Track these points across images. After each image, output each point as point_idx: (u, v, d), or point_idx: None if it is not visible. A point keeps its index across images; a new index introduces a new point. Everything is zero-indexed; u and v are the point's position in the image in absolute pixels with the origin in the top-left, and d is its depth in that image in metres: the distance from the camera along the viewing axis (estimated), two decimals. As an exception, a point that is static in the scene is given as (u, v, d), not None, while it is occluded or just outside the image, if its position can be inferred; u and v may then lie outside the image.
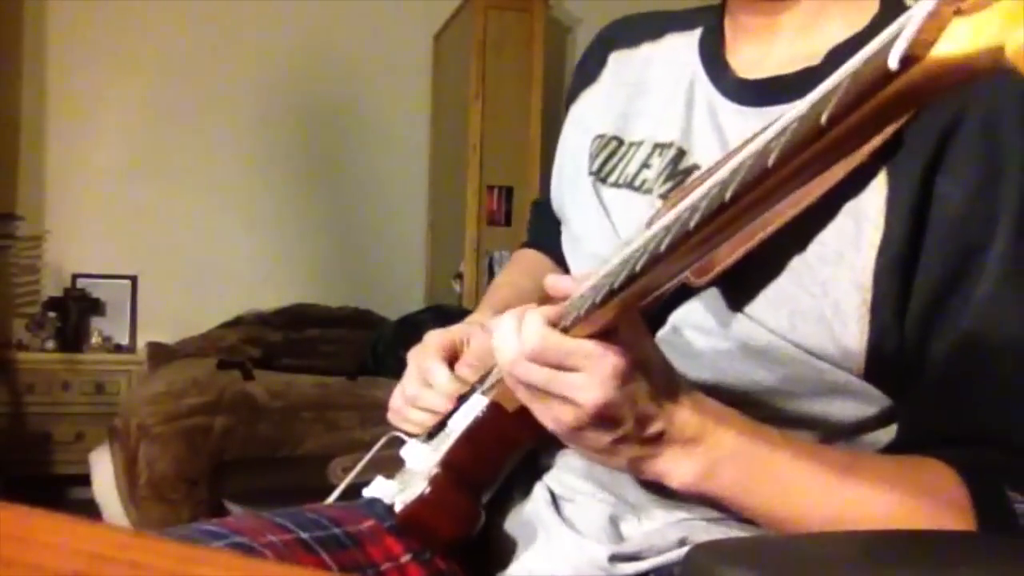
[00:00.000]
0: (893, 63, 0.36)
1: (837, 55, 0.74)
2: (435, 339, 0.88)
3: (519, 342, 0.63)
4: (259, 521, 0.77)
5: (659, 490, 0.73)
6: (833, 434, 0.71)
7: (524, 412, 0.73)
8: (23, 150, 3.66)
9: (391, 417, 0.91)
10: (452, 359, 0.87)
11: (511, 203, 3.58)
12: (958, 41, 0.36)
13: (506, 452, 0.78)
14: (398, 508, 0.77)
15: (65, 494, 3.29)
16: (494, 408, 0.77)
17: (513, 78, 3.60)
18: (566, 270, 0.94)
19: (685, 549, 0.71)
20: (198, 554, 0.32)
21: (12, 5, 3.62)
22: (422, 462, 0.79)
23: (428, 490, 0.75)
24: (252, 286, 3.79)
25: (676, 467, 0.66)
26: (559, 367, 0.63)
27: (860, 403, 0.70)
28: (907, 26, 0.37)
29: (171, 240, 3.79)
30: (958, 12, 0.36)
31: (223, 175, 3.86)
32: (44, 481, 3.23)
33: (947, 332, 0.64)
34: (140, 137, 3.77)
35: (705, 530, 0.72)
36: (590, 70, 0.94)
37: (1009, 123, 0.64)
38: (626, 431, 0.64)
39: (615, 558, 0.73)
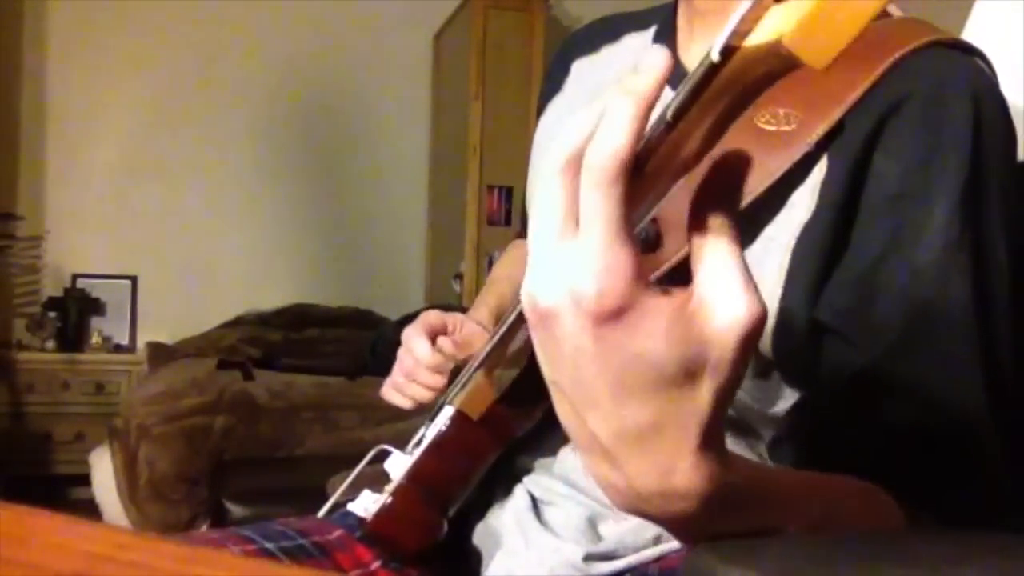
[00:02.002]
0: (715, 55, 0.36)
1: None
2: (426, 316, 0.96)
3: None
4: (223, 534, 0.78)
5: None
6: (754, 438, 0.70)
7: (487, 419, 0.74)
8: (23, 150, 3.66)
9: (384, 392, 0.97)
10: (438, 337, 0.94)
11: (511, 203, 3.58)
12: (766, 29, 0.36)
13: (471, 463, 0.79)
14: (372, 509, 0.78)
15: (65, 494, 3.29)
16: (458, 417, 0.78)
17: (513, 78, 3.60)
18: None
19: (661, 547, 0.72)
20: (198, 554, 0.32)
21: (12, 5, 3.62)
22: (401, 472, 0.80)
23: (390, 501, 0.77)
24: (252, 286, 3.80)
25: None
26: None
27: (778, 409, 0.69)
28: (732, 16, 0.36)
29: (171, 240, 3.79)
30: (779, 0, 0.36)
31: (223, 175, 3.86)
32: (44, 481, 3.23)
33: (875, 308, 0.63)
34: (140, 137, 3.77)
35: None
36: (555, 81, 0.95)
37: (952, 101, 0.64)
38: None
39: (590, 557, 0.73)
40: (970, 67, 0.68)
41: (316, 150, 3.98)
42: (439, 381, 0.91)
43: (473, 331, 0.95)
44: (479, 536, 0.81)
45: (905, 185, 0.63)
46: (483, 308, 1.03)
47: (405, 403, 0.95)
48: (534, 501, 0.79)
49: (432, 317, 0.96)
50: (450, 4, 3.80)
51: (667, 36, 0.83)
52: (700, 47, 0.79)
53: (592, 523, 0.76)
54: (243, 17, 3.86)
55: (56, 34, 3.70)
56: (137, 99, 3.77)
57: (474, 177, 3.57)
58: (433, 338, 0.93)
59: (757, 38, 0.36)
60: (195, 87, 3.83)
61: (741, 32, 0.36)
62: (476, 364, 0.80)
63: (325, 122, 3.96)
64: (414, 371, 0.93)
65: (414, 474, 0.78)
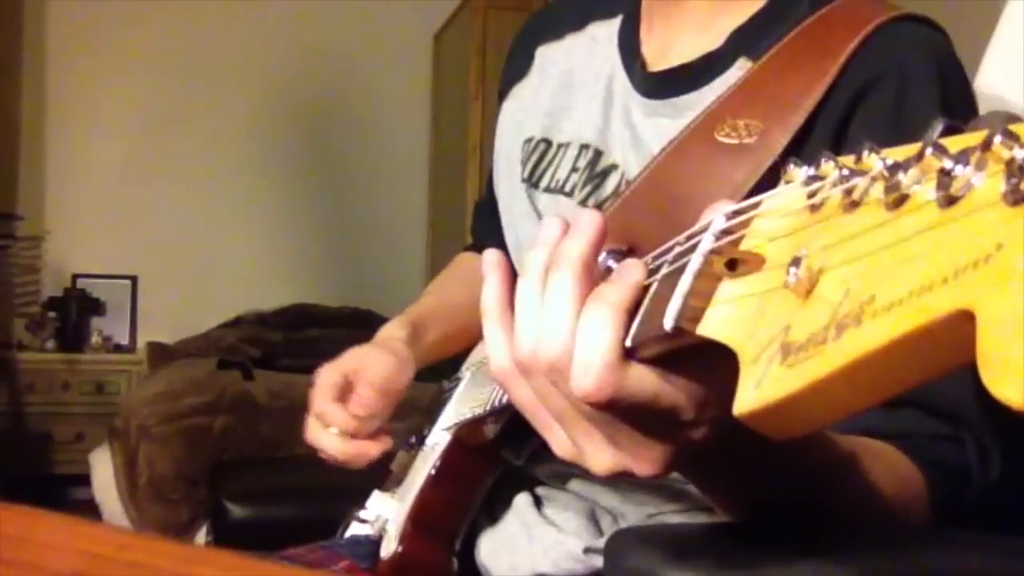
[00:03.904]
0: (667, 324, 0.32)
1: (738, 36, 0.74)
2: (324, 379, 0.83)
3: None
4: None
5: (631, 496, 0.75)
6: None
7: (483, 452, 0.75)
8: (23, 150, 3.66)
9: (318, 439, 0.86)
10: (347, 393, 0.82)
11: (511, 203, 3.57)
12: (721, 319, 0.31)
13: (470, 491, 0.79)
14: (382, 554, 0.78)
15: (65, 494, 3.29)
16: (453, 448, 0.78)
17: (513, 78, 3.60)
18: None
19: None
20: (198, 554, 0.32)
21: (12, 5, 3.61)
22: (393, 513, 0.80)
23: (400, 549, 0.77)
24: (252, 286, 3.79)
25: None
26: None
27: None
28: (679, 285, 0.32)
29: (171, 240, 3.79)
30: (731, 265, 0.31)
31: (223, 175, 3.86)
32: (44, 481, 3.23)
33: None
34: (140, 137, 3.77)
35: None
36: (519, 64, 0.92)
37: (919, 80, 0.64)
38: None
39: (591, 550, 0.74)
40: (929, 40, 0.68)
41: (316, 150, 3.97)
42: (348, 451, 0.80)
43: (376, 370, 0.83)
44: (487, 553, 0.81)
45: None
46: (400, 327, 0.93)
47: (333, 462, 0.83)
48: (536, 500, 0.80)
49: (329, 377, 0.83)
50: (450, 4, 3.80)
51: (631, 29, 0.82)
52: (658, 43, 0.79)
53: (593, 519, 0.76)
54: (243, 17, 3.85)
55: (56, 34, 3.69)
56: (137, 99, 3.77)
57: (474, 177, 3.57)
58: (342, 398, 0.82)
59: (714, 325, 0.31)
60: (195, 87, 3.82)
61: (693, 308, 0.32)
62: (466, 420, 0.79)
63: (325, 122, 3.96)
64: (324, 442, 0.81)
65: (415, 515, 0.78)
